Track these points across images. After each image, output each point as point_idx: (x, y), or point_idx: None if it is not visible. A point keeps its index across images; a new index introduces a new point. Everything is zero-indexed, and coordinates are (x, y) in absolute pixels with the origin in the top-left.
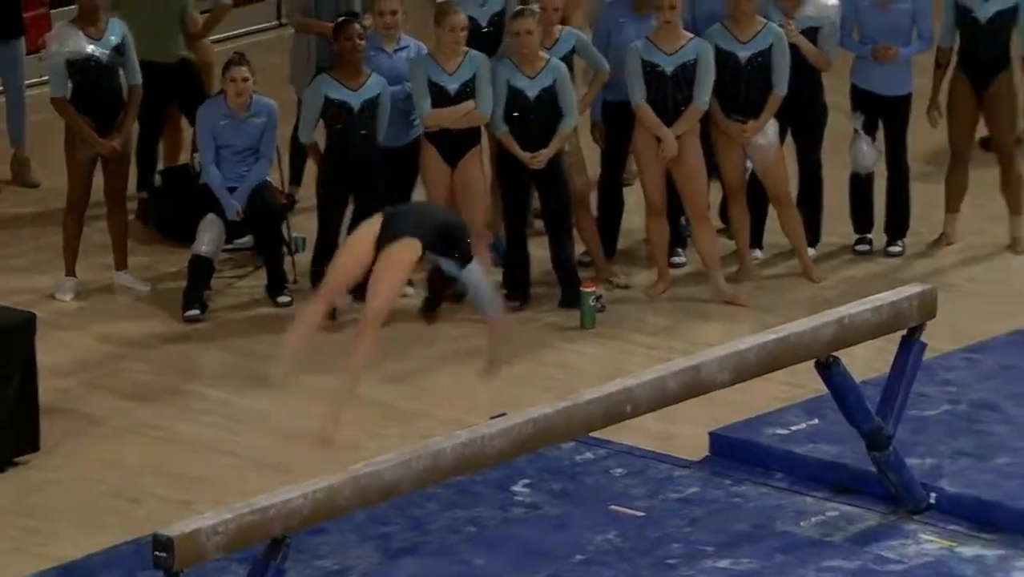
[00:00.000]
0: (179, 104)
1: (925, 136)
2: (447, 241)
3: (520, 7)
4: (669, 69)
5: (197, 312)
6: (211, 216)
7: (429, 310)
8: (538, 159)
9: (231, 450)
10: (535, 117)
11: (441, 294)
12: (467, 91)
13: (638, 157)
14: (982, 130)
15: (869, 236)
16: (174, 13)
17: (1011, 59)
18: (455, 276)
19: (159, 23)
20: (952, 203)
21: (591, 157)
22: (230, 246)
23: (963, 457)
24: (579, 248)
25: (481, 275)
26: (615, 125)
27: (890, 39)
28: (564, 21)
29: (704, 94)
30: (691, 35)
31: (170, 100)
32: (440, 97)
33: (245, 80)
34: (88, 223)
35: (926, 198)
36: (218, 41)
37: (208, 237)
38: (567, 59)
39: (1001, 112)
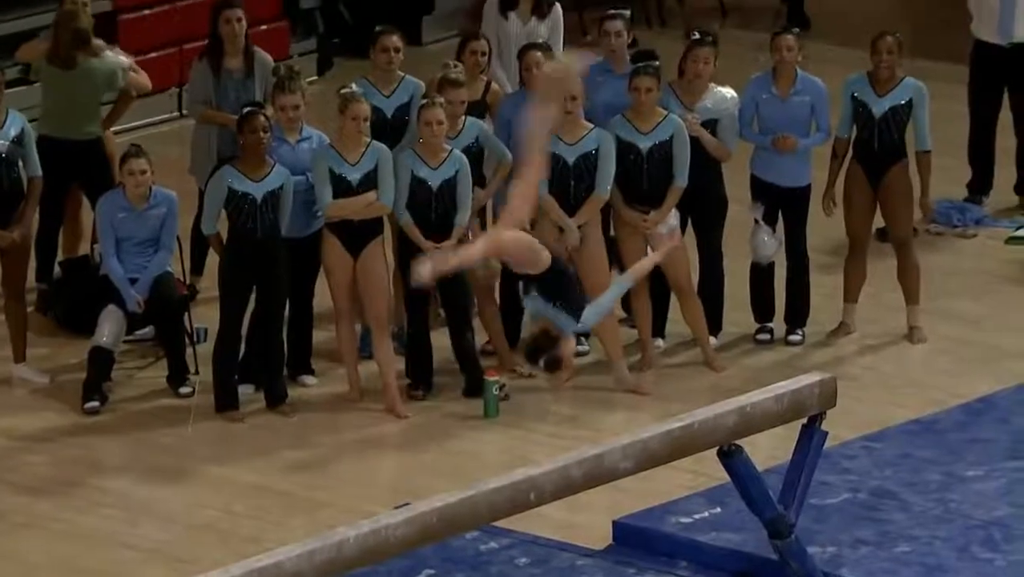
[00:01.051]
0: (83, 185)
1: (824, 227)
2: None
3: (429, 99)
4: (570, 159)
5: (97, 404)
6: (112, 307)
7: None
8: (440, 250)
9: (132, 543)
10: (437, 207)
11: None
12: (369, 181)
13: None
14: (879, 221)
15: (770, 325)
16: (97, 91)
17: (906, 152)
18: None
19: (79, 101)
20: (850, 293)
21: None
22: (131, 337)
23: (863, 545)
24: (483, 337)
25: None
26: None
27: (789, 131)
28: (488, 110)
29: (605, 184)
30: (592, 125)
31: (74, 180)
32: (342, 187)
33: (143, 172)
34: None
35: (825, 288)
36: (119, 132)
37: (109, 328)
38: (471, 149)
39: (896, 203)
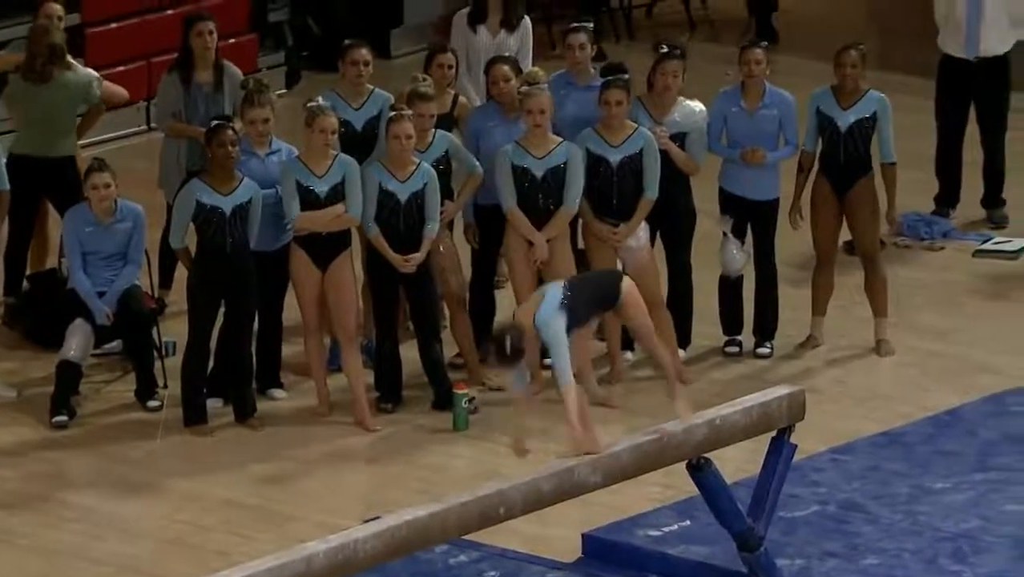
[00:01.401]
0: (55, 202)
1: (792, 240)
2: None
3: (397, 112)
4: (539, 173)
5: (65, 418)
6: (79, 321)
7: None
8: (409, 262)
9: (100, 558)
10: (405, 220)
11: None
12: (336, 194)
13: (509, 260)
14: (847, 234)
15: (738, 338)
16: (73, 104)
17: (871, 165)
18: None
19: (55, 115)
20: (818, 306)
21: (465, 259)
22: (99, 351)
23: (832, 558)
24: (452, 350)
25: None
26: (486, 228)
27: (757, 144)
28: (456, 123)
29: (574, 197)
30: (560, 139)
31: (45, 195)
32: (309, 200)
33: (107, 186)
34: None
35: (794, 300)
36: (87, 146)
37: (76, 342)
38: (441, 162)
39: (863, 216)
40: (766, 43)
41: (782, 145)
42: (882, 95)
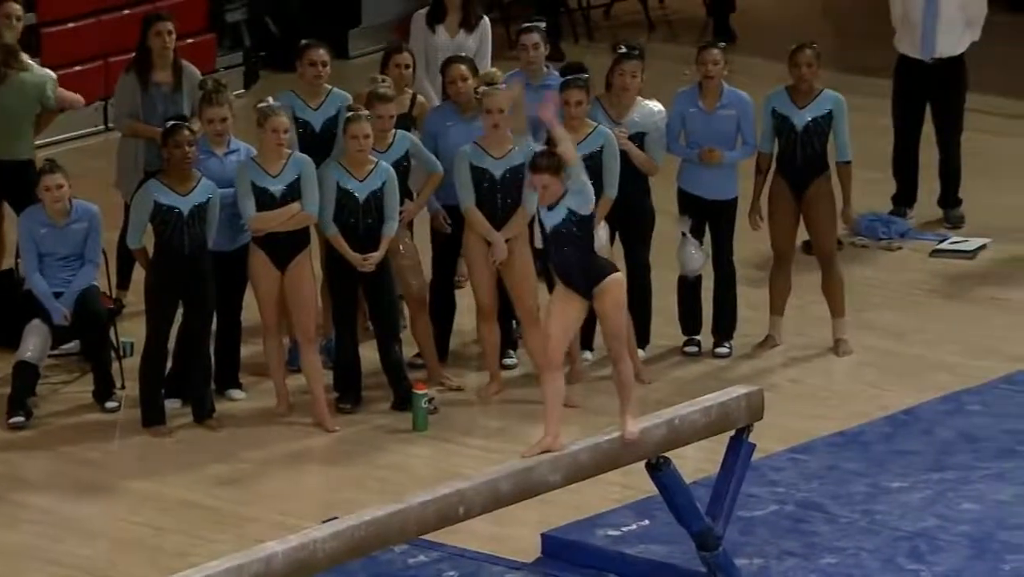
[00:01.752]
0: (12, 203)
1: (750, 240)
2: None
3: (354, 112)
4: (498, 173)
5: (22, 419)
6: (36, 321)
7: None
8: (368, 262)
9: (56, 559)
10: (364, 220)
11: None
12: (292, 193)
13: (468, 260)
14: (805, 234)
15: (697, 338)
16: (30, 104)
17: (828, 164)
18: None
19: (12, 114)
20: (776, 305)
21: (425, 260)
22: (57, 352)
23: (790, 557)
24: (412, 349)
25: None
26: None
27: (715, 144)
28: (414, 123)
29: (532, 198)
30: (518, 139)
31: (3, 197)
32: (264, 200)
33: (60, 187)
34: None
35: (752, 300)
36: (43, 146)
37: (33, 342)
38: (402, 163)
39: (820, 216)
40: (724, 44)
41: (739, 145)
42: (838, 94)
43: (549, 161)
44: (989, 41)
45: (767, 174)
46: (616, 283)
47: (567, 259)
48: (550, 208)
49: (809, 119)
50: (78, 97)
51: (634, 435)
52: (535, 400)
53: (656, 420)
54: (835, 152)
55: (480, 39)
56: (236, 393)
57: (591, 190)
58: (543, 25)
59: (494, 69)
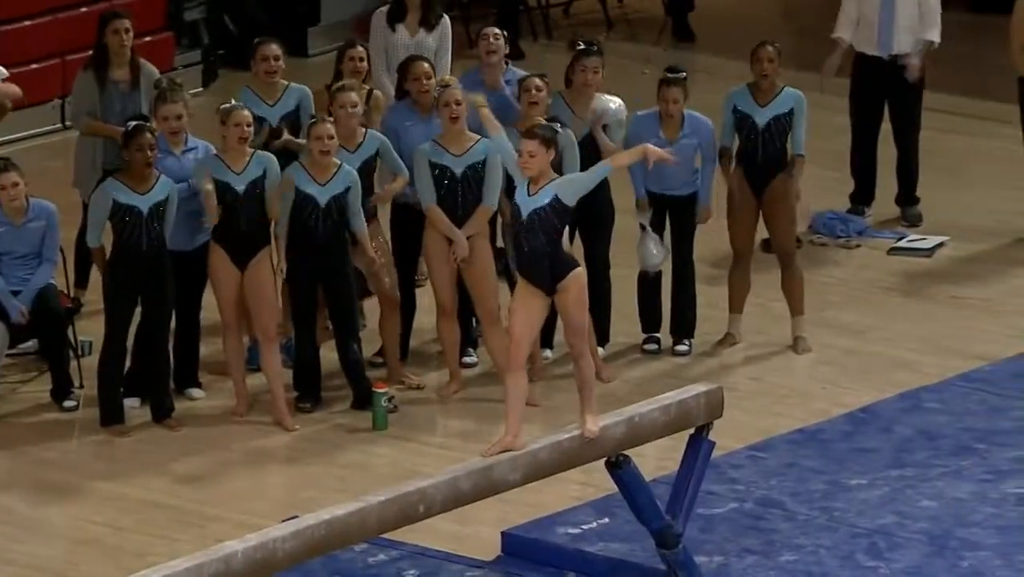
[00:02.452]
0: None
1: (709, 237)
2: None
3: (317, 116)
4: (458, 170)
5: None
6: None
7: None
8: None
9: (15, 559)
10: (324, 224)
11: None
12: (256, 190)
13: (428, 259)
14: (764, 232)
15: (657, 335)
16: None
17: (788, 162)
18: None
19: None
20: (735, 303)
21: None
22: (14, 351)
23: (750, 555)
24: (371, 348)
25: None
26: (405, 227)
27: (677, 173)
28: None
29: (493, 194)
30: (478, 136)
31: None
32: (228, 197)
33: (15, 185)
34: None
35: (712, 298)
36: (1, 144)
37: None
38: (370, 162)
39: (780, 214)
40: (685, 75)
41: (700, 163)
42: (799, 92)
43: (544, 131)
44: (948, 40)
45: (730, 162)
46: (578, 278)
47: (538, 248)
48: (533, 193)
49: (770, 116)
50: (15, 88)
51: (594, 433)
52: (495, 398)
53: (616, 418)
54: (791, 145)
55: (440, 38)
56: (195, 392)
57: (583, 187)
58: (503, 32)
59: (449, 76)
